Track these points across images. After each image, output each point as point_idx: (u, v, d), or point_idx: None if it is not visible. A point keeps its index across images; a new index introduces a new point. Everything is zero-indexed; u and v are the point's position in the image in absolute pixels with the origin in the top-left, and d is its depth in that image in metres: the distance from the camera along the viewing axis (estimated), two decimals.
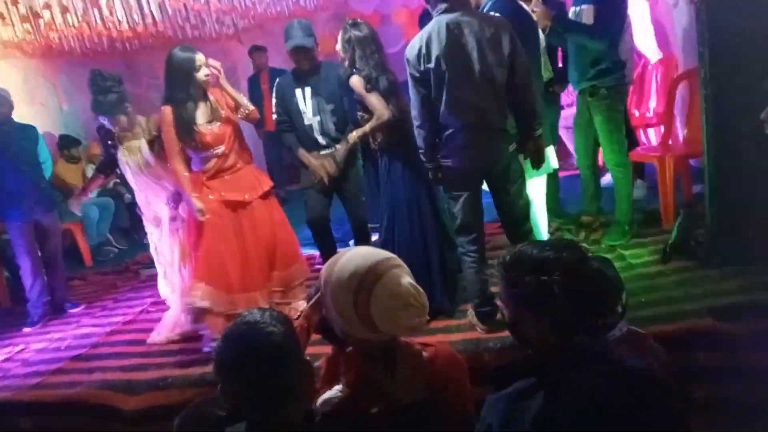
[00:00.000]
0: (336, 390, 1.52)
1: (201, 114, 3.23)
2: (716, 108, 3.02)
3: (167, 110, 3.19)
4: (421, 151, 2.86)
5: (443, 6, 2.68)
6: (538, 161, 2.91)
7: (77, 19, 4.97)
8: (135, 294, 4.60)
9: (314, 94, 3.51)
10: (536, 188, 3.38)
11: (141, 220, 3.74)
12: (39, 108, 6.48)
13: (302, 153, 3.55)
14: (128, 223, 6.18)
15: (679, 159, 3.72)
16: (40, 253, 4.27)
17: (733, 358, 2.46)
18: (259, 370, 1.29)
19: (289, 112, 3.55)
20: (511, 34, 2.69)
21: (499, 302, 1.57)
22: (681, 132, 4.37)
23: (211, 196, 3.23)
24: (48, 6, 4.60)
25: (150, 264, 4.19)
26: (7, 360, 3.72)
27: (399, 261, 1.52)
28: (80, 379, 3.23)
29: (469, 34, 2.64)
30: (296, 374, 1.33)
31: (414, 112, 2.80)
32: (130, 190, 5.79)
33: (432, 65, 2.65)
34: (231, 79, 7.57)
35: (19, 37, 5.44)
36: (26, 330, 4.18)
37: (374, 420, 1.44)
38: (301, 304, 3.38)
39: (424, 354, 1.54)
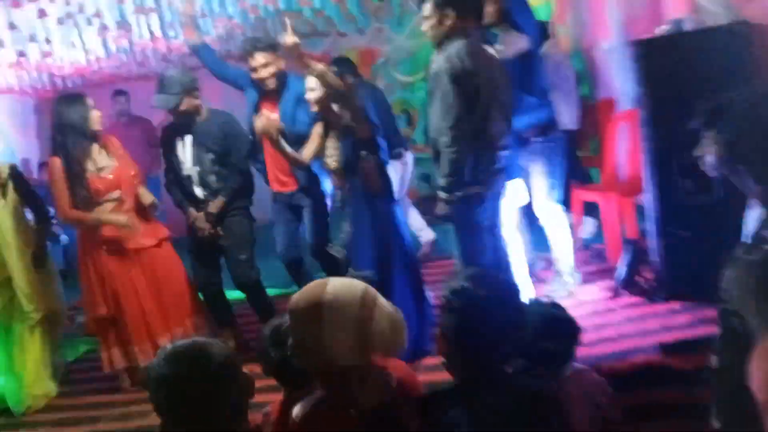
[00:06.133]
0: (310, 397, 1.53)
1: (91, 162, 3.18)
2: (656, 146, 3.13)
3: (56, 161, 3.13)
4: (449, 179, 2.60)
5: (477, 33, 2.72)
6: None
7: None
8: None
9: (195, 142, 3.32)
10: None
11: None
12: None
13: (188, 210, 3.39)
14: (63, 265, 5.84)
15: (622, 196, 3.81)
16: None
17: (685, 394, 2.47)
18: (202, 387, 1.33)
19: (171, 163, 3.41)
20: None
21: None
22: (623, 170, 4.50)
23: (108, 250, 3.20)
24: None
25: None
26: None
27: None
28: None
29: (498, 61, 2.76)
30: (239, 390, 1.39)
31: (453, 132, 2.55)
32: (67, 231, 5.53)
33: (484, 80, 2.57)
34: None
35: None
36: None
37: (351, 422, 1.47)
38: None
39: (386, 369, 1.58)
